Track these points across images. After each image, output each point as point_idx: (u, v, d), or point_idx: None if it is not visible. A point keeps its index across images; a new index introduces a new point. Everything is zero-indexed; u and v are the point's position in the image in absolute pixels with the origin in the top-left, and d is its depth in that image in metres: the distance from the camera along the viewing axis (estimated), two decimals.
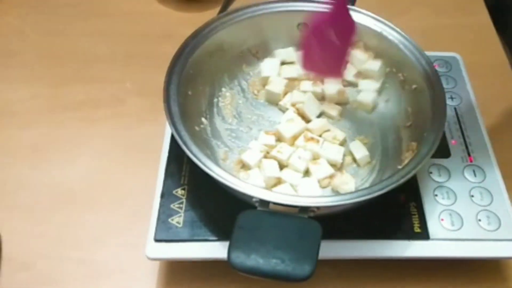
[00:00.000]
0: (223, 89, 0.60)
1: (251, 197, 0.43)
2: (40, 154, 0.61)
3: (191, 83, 0.54)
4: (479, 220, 0.50)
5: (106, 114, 0.65)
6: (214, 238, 0.48)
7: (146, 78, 0.68)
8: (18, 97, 0.67)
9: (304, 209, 0.42)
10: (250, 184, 0.44)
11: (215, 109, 0.59)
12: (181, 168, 0.53)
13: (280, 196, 0.43)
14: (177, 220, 0.49)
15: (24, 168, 0.59)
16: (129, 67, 0.70)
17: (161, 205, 0.50)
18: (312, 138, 0.54)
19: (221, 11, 0.59)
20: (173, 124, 0.48)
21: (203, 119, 0.56)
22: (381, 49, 0.58)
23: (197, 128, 0.54)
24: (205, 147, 0.53)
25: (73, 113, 0.65)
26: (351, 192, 0.45)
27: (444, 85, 0.53)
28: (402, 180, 0.44)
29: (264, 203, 0.42)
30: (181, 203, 0.50)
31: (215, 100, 0.59)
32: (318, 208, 0.43)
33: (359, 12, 0.58)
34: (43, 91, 0.67)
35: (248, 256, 0.39)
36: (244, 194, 0.43)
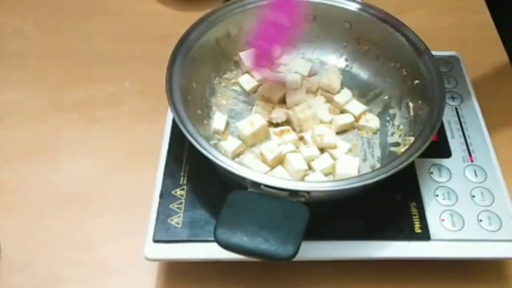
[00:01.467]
0: (228, 76, 0.61)
1: (243, 178, 0.43)
2: (39, 154, 0.61)
3: (196, 67, 0.55)
4: (480, 220, 0.49)
5: (105, 114, 0.65)
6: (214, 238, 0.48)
7: (146, 78, 0.68)
8: (18, 97, 0.67)
9: (293, 193, 0.43)
10: (241, 165, 0.44)
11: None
12: (181, 168, 0.53)
13: (271, 179, 0.43)
14: (176, 220, 0.49)
15: (23, 168, 0.59)
16: (128, 67, 0.70)
17: (160, 206, 0.50)
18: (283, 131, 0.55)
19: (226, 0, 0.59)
20: (172, 104, 0.48)
21: (204, 102, 0.57)
22: (386, 43, 0.58)
23: (199, 111, 0.55)
24: (204, 130, 0.54)
25: (72, 113, 0.65)
26: (342, 179, 0.45)
27: (445, 85, 0.53)
28: (394, 170, 0.44)
29: (255, 184, 0.43)
30: (180, 203, 0.50)
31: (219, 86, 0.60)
32: (308, 192, 0.43)
33: (365, 5, 0.58)
34: (43, 91, 0.67)
35: (234, 233, 0.40)
36: (236, 175, 0.43)
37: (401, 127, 0.56)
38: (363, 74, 0.62)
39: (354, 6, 0.59)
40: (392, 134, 0.57)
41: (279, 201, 0.42)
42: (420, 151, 0.46)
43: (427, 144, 0.46)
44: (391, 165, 0.45)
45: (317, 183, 0.48)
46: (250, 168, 0.48)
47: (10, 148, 0.61)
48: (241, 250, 0.40)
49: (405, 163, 0.45)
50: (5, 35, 0.75)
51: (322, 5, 0.60)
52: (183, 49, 0.54)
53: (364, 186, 0.44)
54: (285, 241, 0.39)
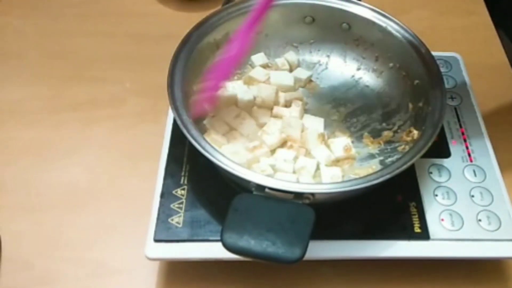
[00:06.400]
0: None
1: (248, 181, 0.43)
2: (40, 154, 0.61)
3: (197, 71, 0.55)
4: (480, 220, 0.49)
5: (106, 114, 0.65)
6: (214, 238, 0.48)
7: (146, 78, 0.68)
8: (18, 97, 0.67)
9: (298, 195, 0.43)
10: (247, 169, 0.45)
11: None
12: (181, 168, 0.53)
13: (276, 181, 0.43)
14: (177, 220, 0.49)
15: (24, 168, 0.59)
16: (129, 67, 0.70)
17: (160, 205, 0.50)
18: (291, 146, 0.54)
19: (225, 3, 0.59)
20: (175, 108, 0.48)
21: None
22: (385, 44, 0.58)
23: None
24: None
25: (73, 113, 0.65)
26: (346, 181, 0.45)
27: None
28: (397, 171, 0.44)
29: (260, 187, 0.43)
30: (181, 203, 0.50)
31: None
32: (313, 195, 0.43)
33: (364, 6, 0.58)
34: (43, 91, 0.67)
35: (241, 237, 0.40)
36: (240, 179, 0.43)
37: (402, 127, 0.56)
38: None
39: (352, 7, 0.59)
40: (393, 134, 0.56)
41: (284, 204, 0.42)
42: (422, 152, 0.46)
43: (429, 145, 0.46)
44: (394, 165, 0.45)
45: (321, 185, 0.48)
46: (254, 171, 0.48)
47: (10, 148, 0.61)
48: (248, 253, 0.40)
49: (408, 164, 0.45)
50: (5, 35, 0.75)
51: (321, 6, 0.60)
52: (184, 52, 0.54)
53: (367, 187, 0.44)
54: (292, 243, 0.40)
